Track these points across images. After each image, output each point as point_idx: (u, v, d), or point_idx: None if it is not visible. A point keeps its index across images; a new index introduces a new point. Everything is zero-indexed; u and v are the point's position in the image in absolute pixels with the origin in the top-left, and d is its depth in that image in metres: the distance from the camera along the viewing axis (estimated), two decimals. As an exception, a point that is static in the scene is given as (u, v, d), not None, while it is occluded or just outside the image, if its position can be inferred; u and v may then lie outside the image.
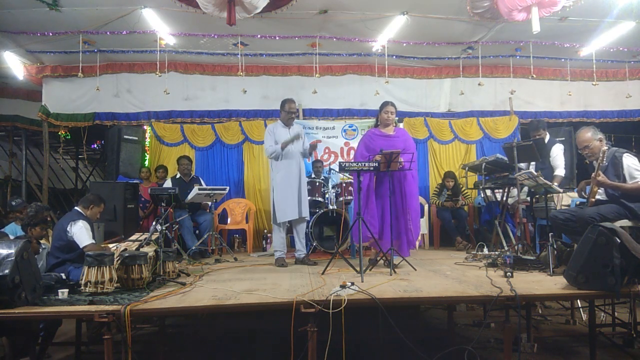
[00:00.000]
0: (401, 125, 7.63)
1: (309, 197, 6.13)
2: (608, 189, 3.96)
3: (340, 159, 7.45)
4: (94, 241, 4.15)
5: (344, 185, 6.23)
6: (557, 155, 5.43)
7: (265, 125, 7.54)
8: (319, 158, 7.39)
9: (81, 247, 4.00)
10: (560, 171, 5.43)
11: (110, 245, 4.27)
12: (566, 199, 5.47)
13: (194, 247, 5.84)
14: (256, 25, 5.98)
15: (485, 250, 5.01)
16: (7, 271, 2.88)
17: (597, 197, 3.95)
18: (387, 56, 6.80)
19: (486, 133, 7.84)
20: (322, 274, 4.16)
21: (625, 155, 3.89)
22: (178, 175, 6.59)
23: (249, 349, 4.37)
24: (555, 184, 4.84)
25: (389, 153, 4.32)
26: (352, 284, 3.26)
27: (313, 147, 5.18)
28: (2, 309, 2.91)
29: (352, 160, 4.87)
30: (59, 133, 7.71)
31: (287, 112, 5.14)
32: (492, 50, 7.17)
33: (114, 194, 5.85)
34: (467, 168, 6.10)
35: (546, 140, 5.53)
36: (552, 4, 4.94)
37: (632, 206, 3.81)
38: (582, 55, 7.12)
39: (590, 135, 4.03)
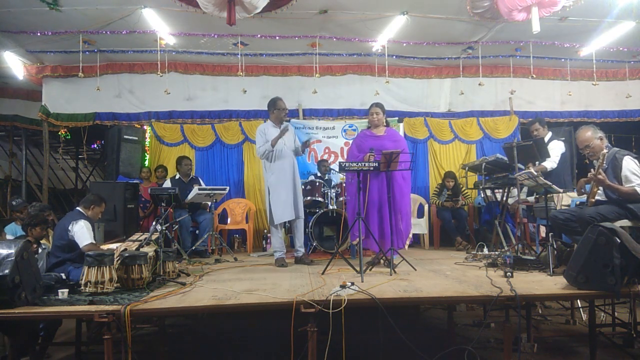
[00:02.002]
0: (401, 125, 7.64)
1: (309, 197, 6.17)
2: (606, 190, 3.96)
3: (340, 159, 7.45)
4: (94, 241, 4.15)
5: (344, 185, 6.23)
6: (553, 149, 5.34)
7: (266, 126, 7.56)
8: (319, 158, 7.42)
9: (81, 246, 4.01)
10: (547, 163, 5.21)
11: (112, 246, 4.27)
12: (566, 199, 5.47)
13: (193, 247, 5.84)
14: (256, 25, 5.98)
15: (485, 250, 5.01)
16: (7, 271, 2.88)
17: (597, 197, 3.95)
18: (387, 56, 6.80)
19: (486, 133, 7.84)
20: (322, 274, 4.16)
21: (625, 157, 3.88)
22: (177, 176, 6.59)
23: (249, 349, 4.37)
24: (534, 170, 4.55)
25: (389, 153, 4.33)
26: (352, 284, 3.26)
27: (306, 144, 5.17)
28: (2, 309, 2.91)
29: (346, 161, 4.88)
30: (59, 133, 7.71)
31: (279, 110, 5.12)
32: (492, 50, 7.17)
33: (114, 194, 5.85)
34: (467, 168, 6.10)
35: (546, 139, 5.52)
36: (552, 4, 4.93)
37: (632, 206, 3.81)
38: (582, 55, 7.12)
39: (590, 135, 4.03)
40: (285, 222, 5.14)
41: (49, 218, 4.93)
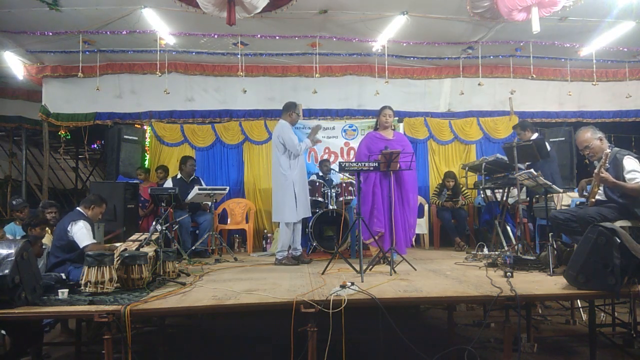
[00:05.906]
0: (401, 125, 7.64)
1: (309, 197, 6.17)
2: (608, 189, 3.95)
3: (340, 159, 7.46)
4: (94, 241, 4.15)
5: (344, 185, 6.24)
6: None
7: (266, 126, 7.55)
8: (319, 158, 7.42)
9: (81, 247, 4.01)
10: None
11: (116, 244, 4.26)
12: (566, 199, 5.47)
13: (193, 247, 5.84)
14: (256, 25, 5.98)
15: (485, 250, 5.01)
16: (7, 271, 2.88)
17: (597, 197, 3.95)
18: (387, 56, 6.80)
19: (486, 133, 7.84)
20: (322, 274, 4.16)
21: (626, 157, 3.88)
22: (179, 176, 6.59)
23: (249, 349, 4.37)
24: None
25: (389, 153, 4.42)
26: (352, 284, 3.26)
27: (315, 130, 5.37)
28: (2, 309, 2.91)
29: (353, 161, 5.04)
30: (59, 133, 7.70)
31: (299, 115, 5.40)
32: (492, 50, 7.17)
33: (114, 194, 5.84)
34: (467, 168, 6.10)
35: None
36: (552, 4, 4.93)
37: (632, 206, 3.80)
38: (582, 55, 7.11)
39: (589, 135, 4.03)
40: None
41: (51, 214, 4.94)
